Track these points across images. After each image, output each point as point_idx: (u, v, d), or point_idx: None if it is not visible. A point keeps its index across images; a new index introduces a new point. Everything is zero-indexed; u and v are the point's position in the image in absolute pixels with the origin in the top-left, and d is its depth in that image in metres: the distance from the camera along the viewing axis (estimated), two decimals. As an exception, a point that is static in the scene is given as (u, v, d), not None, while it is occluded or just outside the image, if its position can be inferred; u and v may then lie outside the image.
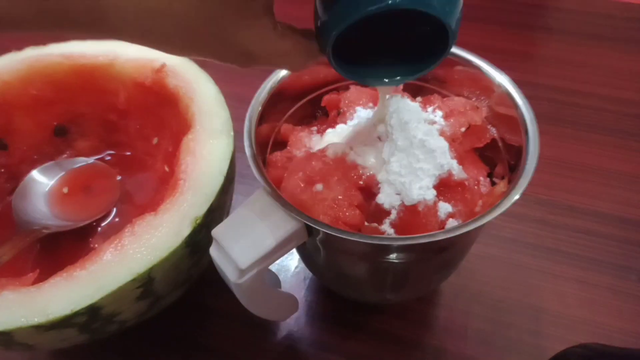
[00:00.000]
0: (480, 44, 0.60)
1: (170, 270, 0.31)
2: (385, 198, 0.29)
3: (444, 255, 0.31)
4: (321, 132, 0.34)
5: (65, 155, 0.44)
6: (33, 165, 0.42)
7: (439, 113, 0.33)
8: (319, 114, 0.37)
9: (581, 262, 0.40)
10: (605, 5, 0.65)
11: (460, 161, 0.31)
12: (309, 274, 0.40)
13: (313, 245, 0.30)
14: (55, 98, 0.42)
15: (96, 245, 0.38)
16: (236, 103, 0.38)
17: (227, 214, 0.37)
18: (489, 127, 0.33)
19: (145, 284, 0.29)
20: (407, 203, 0.28)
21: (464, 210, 0.30)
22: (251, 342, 0.37)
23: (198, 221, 0.31)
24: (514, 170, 0.30)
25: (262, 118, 0.32)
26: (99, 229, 0.39)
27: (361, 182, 0.30)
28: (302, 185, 0.30)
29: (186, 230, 0.30)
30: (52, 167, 0.41)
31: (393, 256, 0.28)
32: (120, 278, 0.28)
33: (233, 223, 0.27)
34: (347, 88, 0.36)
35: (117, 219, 0.40)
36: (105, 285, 0.28)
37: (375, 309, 0.38)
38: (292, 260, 0.42)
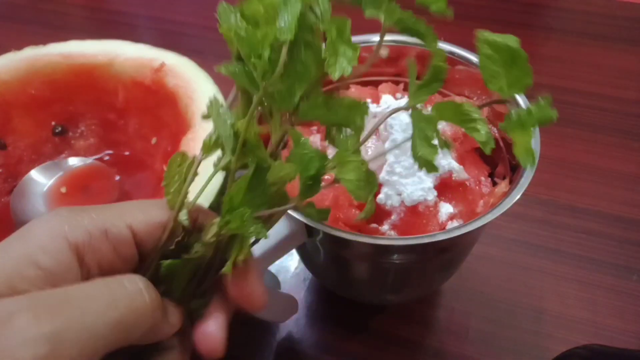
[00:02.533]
0: (480, 43, 0.60)
1: (169, 270, 0.30)
2: (386, 198, 0.29)
3: (444, 255, 0.30)
4: (321, 131, 0.34)
5: (64, 155, 0.43)
6: (31, 165, 0.42)
7: (440, 113, 0.33)
8: (319, 114, 0.37)
9: (582, 263, 0.40)
10: (606, 5, 0.65)
11: (461, 161, 0.31)
12: (308, 274, 0.40)
13: (313, 245, 0.29)
14: (54, 97, 0.42)
15: (95, 246, 0.37)
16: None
17: (227, 214, 0.37)
18: (489, 126, 0.33)
19: (144, 284, 0.29)
20: (407, 203, 0.28)
21: (465, 210, 0.30)
22: (251, 343, 0.37)
23: (197, 221, 0.31)
24: (515, 170, 0.30)
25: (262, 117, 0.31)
26: (98, 229, 0.39)
27: (361, 182, 0.29)
28: (302, 185, 0.29)
29: (185, 231, 0.30)
30: (50, 166, 0.41)
31: (393, 257, 0.28)
32: (118, 279, 0.28)
33: (232, 223, 0.27)
34: (347, 88, 0.35)
35: (115, 219, 0.40)
36: (104, 286, 0.28)
37: (376, 310, 0.38)
38: (291, 261, 0.41)
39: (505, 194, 0.26)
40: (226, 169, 0.21)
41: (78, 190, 0.40)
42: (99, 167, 0.42)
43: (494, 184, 0.32)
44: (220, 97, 0.37)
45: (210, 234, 0.20)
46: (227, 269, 0.20)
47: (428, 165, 0.20)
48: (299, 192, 0.20)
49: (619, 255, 0.40)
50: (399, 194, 0.29)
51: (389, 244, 0.26)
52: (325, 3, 0.20)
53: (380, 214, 0.29)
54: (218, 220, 0.20)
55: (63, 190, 0.40)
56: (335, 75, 0.19)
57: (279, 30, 0.19)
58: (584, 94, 0.53)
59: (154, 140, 0.42)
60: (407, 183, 0.28)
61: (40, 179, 0.40)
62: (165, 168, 0.41)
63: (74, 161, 0.42)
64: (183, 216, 0.20)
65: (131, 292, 0.17)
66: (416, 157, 0.20)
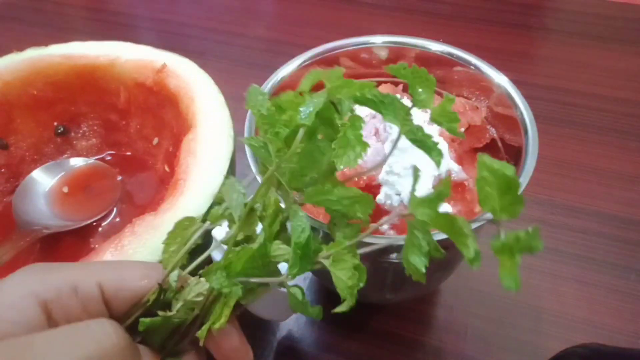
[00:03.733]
0: (479, 44, 0.60)
1: (171, 270, 0.31)
2: (385, 198, 0.29)
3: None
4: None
5: (66, 155, 0.44)
6: (33, 165, 0.42)
7: (439, 113, 0.33)
8: (319, 114, 0.37)
9: (580, 262, 0.40)
10: (603, 6, 0.65)
11: (460, 161, 0.31)
12: (309, 273, 0.40)
13: (313, 245, 0.30)
14: (56, 98, 0.42)
15: (96, 246, 0.38)
16: (236, 103, 0.38)
17: (228, 214, 0.37)
18: (488, 127, 0.33)
19: (145, 283, 0.29)
20: (406, 203, 0.29)
21: (464, 210, 0.30)
22: (251, 342, 0.37)
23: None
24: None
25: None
26: (100, 229, 0.40)
27: (361, 182, 0.30)
28: (302, 185, 0.30)
29: (186, 230, 0.30)
30: (52, 167, 0.42)
31: (393, 256, 0.28)
32: (120, 278, 0.28)
33: (233, 223, 0.27)
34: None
35: (117, 219, 0.40)
36: (106, 284, 0.28)
37: (375, 309, 0.38)
38: (292, 260, 0.42)
39: (503, 194, 0.27)
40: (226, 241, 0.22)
41: (80, 190, 0.40)
42: (101, 166, 0.43)
43: (493, 184, 0.32)
44: (221, 98, 0.38)
45: (193, 293, 0.21)
46: (201, 333, 0.21)
47: (416, 274, 0.20)
48: (288, 264, 0.21)
49: (617, 254, 0.41)
50: (398, 194, 0.29)
51: (388, 243, 0.26)
52: (347, 106, 0.21)
53: (379, 213, 0.30)
54: (203, 281, 0.21)
55: (65, 190, 0.40)
56: (340, 166, 0.20)
57: (300, 116, 0.20)
58: (581, 95, 0.54)
59: (155, 141, 0.43)
60: (406, 183, 0.28)
61: (43, 179, 0.40)
62: (166, 168, 0.41)
63: (76, 161, 0.42)
64: (174, 277, 0.21)
65: (97, 333, 0.18)
66: (406, 261, 0.21)
